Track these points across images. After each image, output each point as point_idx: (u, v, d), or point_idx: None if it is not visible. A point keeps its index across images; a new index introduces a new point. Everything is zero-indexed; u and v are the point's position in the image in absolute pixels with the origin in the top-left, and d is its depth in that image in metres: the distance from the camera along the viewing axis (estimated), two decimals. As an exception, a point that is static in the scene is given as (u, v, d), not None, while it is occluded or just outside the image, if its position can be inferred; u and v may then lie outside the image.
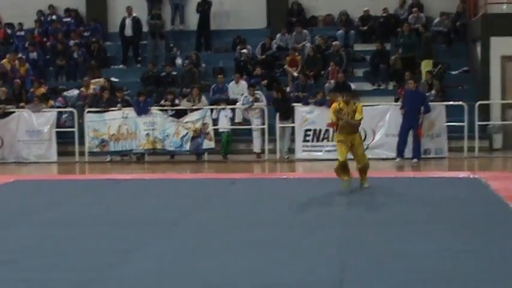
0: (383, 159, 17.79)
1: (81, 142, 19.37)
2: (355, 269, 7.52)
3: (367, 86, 21.59)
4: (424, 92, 18.37)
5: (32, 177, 16.25)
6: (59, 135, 19.56)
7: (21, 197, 13.51)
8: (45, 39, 24.24)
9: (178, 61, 22.98)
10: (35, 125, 19.53)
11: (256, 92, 19.45)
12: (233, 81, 20.36)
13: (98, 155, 19.35)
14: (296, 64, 21.59)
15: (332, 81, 20.21)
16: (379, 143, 18.33)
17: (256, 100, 19.21)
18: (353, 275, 7.30)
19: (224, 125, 19.16)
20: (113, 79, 21.54)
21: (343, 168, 12.90)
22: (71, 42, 23.72)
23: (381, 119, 18.36)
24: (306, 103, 19.01)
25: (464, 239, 8.94)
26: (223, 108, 19.29)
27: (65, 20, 24.94)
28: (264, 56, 22.48)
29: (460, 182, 14.22)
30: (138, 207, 12.00)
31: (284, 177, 16.25)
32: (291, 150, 18.96)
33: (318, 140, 18.70)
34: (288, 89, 20.17)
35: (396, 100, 19.52)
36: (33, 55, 23.43)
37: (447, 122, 18.37)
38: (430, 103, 18.35)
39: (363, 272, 7.39)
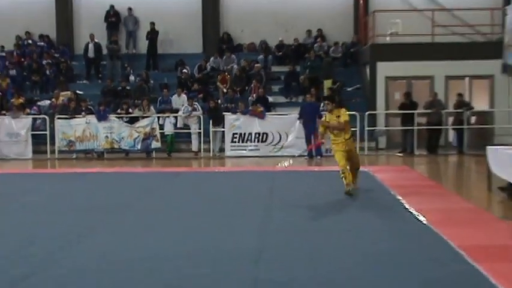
0: (293, 156, 17.83)
1: (52, 143, 19.07)
2: (273, 242, 7.52)
3: (282, 99, 21.67)
4: (317, 104, 18.27)
5: (11, 171, 15.87)
6: (33, 136, 19.25)
7: (4, 186, 13.20)
8: (22, 59, 23.79)
9: (132, 78, 22.76)
10: (14, 128, 19.22)
11: (194, 103, 19.42)
12: (176, 95, 20.26)
13: (66, 153, 19.07)
14: (226, 82, 21.58)
15: (254, 95, 20.23)
16: (291, 144, 18.40)
17: (194, 110, 19.17)
18: (272, 246, 7.29)
19: (168, 129, 19.07)
20: (78, 92, 21.26)
21: (345, 173, 10.70)
22: (44, 62, 23.33)
23: (291, 125, 18.42)
24: (234, 112, 18.99)
25: (354, 214, 9.06)
26: (168, 116, 19.21)
27: (38, 43, 24.52)
28: (200, 75, 22.41)
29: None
30: (98, 195, 11.84)
31: (216, 170, 16.23)
32: (222, 149, 18.92)
33: (242, 141, 18.73)
34: (219, 101, 20.11)
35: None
36: (13, 72, 23.08)
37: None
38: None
39: (279, 244, 7.39)
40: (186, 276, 6.10)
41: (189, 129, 19.20)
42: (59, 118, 19.05)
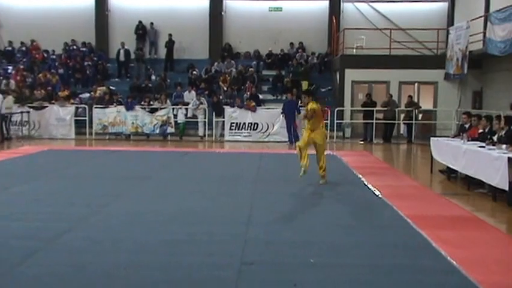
0: (278, 141, 17.81)
1: (90, 126, 18.94)
2: (260, 207, 7.50)
3: (270, 97, 21.54)
4: (296, 101, 18.05)
5: (58, 148, 15.77)
6: (76, 121, 19.05)
7: (51, 160, 13.13)
8: (68, 61, 23.57)
9: (153, 77, 22.57)
10: (61, 114, 19.05)
11: (201, 98, 19.30)
12: (187, 91, 20.16)
13: (101, 135, 18.94)
14: (226, 81, 21.45)
15: (248, 93, 20.09)
16: (276, 132, 18.30)
17: (201, 103, 19.04)
18: (258, 211, 7.27)
19: (181, 118, 18.94)
20: (111, 87, 21.10)
21: (300, 151, 9.43)
22: (85, 63, 23.14)
23: (277, 117, 18.28)
24: (232, 106, 18.87)
25: (325, 187, 9.05)
26: (180, 108, 19.08)
27: (81, 49, 24.32)
28: (206, 76, 22.23)
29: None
30: (125, 168, 11.82)
31: (217, 151, 16.15)
32: (222, 135, 18.84)
33: (238, 129, 18.61)
34: (220, 97, 19.98)
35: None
36: (61, 71, 22.90)
37: (318, 120, 18.46)
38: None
39: (265, 209, 7.37)
40: (190, 233, 6.08)
41: (197, 118, 19.10)
42: (96, 107, 18.92)
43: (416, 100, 19.84)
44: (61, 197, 8.15)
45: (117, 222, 6.61)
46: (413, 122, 18.96)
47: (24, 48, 24.61)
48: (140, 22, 24.16)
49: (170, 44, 23.85)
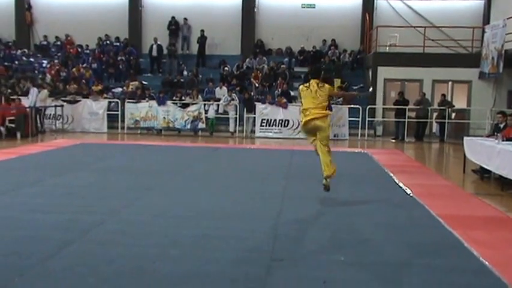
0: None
1: (122, 121, 19.18)
2: (290, 204, 7.50)
3: (301, 94, 21.45)
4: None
5: (90, 141, 16.01)
6: (108, 115, 19.33)
7: (84, 153, 13.34)
8: (102, 56, 23.92)
9: (185, 73, 22.71)
10: (94, 108, 19.35)
11: (232, 94, 19.36)
12: (218, 87, 20.24)
13: (133, 129, 19.15)
14: (258, 78, 21.47)
15: (279, 89, 20.07)
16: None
17: (232, 99, 19.12)
18: (289, 207, 7.27)
19: (212, 113, 19.04)
20: (143, 82, 21.33)
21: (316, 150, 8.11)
22: (118, 58, 23.42)
23: (308, 114, 18.23)
24: (263, 102, 18.89)
25: (356, 186, 8.99)
26: (212, 104, 19.19)
27: (115, 44, 24.63)
28: (238, 72, 22.29)
29: (356, 154, 14.27)
30: (156, 162, 11.90)
31: (248, 147, 16.18)
32: (253, 131, 18.88)
33: (269, 126, 18.64)
34: (252, 93, 20.00)
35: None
36: (94, 65, 23.23)
37: (349, 117, 18.39)
38: (340, 105, 18.41)
39: (295, 206, 7.37)
40: (220, 228, 6.11)
41: (228, 114, 19.18)
42: (128, 102, 19.15)
43: (449, 99, 19.58)
44: (93, 190, 8.27)
45: (148, 216, 6.68)
46: (446, 121, 18.70)
47: (59, 43, 25.07)
48: (173, 18, 24.36)
49: (202, 39, 23.97)
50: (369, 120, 18.78)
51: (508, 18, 18.06)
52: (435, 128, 19.64)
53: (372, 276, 4.69)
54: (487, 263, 5.09)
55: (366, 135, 18.60)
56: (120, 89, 20.90)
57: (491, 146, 9.88)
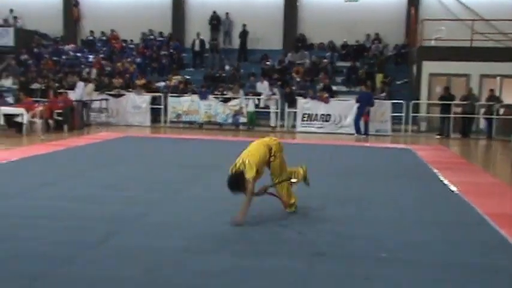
0: (351, 134, 17.62)
1: (165, 114, 19.44)
2: (332, 199, 7.46)
3: (344, 88, 21.29)
4: (370, 93, 18.09)
5: (134, 135, 16.28)
6: (151, 109, 19.61)
7: (128, 146, 13.58)
8: (145, 50, 24.29)
9: (227, 67, 22.83)
10: (137, 102, 19.65)
11: (273, 88, 19.42)
12: (260, 82, 20.28)
13: (175, 123, 19.40)
14: (299, 72, 21.41)
15: (321, 84, 19.94)
16: (349, 124, 18.10)
17: (273, 94, 19.17)
18: (331, 202, 7.23)
19: (252, 108, 19.09)
20: (186, 77, 21.59)
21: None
22: (161, 53, 23.75)
23: (350, 109, 18.09)
24: (305, 97, 18.84)
25: (399, 182, 8.87)
26: (253, 98, 19.24)
27: (158, 38, 24.98)
28: (279, 67, 22.28)
29: (399, 150, 14.06)
30: (197, 156, 12.03)
31: (289, 142, 16.11)
32: (293, 126, 18.84)
33: (310, 120, 18.54)
34: (293, 88, 19.95)
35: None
36: (138, 60, 23.57)
37: (392, 113, 18.14)
38: (382, 101, 18.22)
39: (337, 201, 7.33)
40: (261, 221, 6.12)
41: (269, 108, 19.20)
42: (171, 96, 19.41)
43: (498, 94, 19.08)
44: (137, 183, 8.42)
45: (190, 209, 6.77)
46: (494, 117, 18.24)
47: (104, 38, 25.55)
48: (214, 12, 24.52)
49: (244, 34, 24.05)
50: (412, 116, 18.48)
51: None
52: (483, 124, 19.19)
53: (414, 274, 4.63)
54: (535, 263, 4.96)
55: (410, 130, 18.33)
56: (163, 83, 21.18)
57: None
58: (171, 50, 24.11)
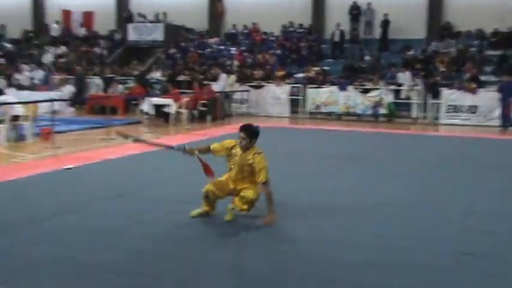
0: (500, 126, 16.52)
1: (304, 105, 19.57)
2: (476, 196, 7.05)
3: (493, 78, 19.89)
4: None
5: (274, 125, 16.57)
6: (290, 100, 19.84)
7: (268, 137, 13.81)
8: (285, 42, 24.54)
9: (366, 58, 22.41)
10: (276, 93, 19.98)
11: (416, 79, 18.73)
12: (401, 72, 19.64)
13: (314, 114, 19.46)
14: (444, 62, 20.42)
15: (468, 74, 18.86)
16: (496, 116, 16.98)
17: (416, 85, 18.51)
18: (475, 199, 6.84)
19: (391, 99, 18.56)
20: (325, 68, 21.53)
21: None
22: (301, 44, 23.87)
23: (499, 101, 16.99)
24: (450, 88, 17.95)
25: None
26: (393, 89, 18.73)
27: (298, 30, 25.14)
28: (422, 56, 21.39)
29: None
30: (336, 147, 11.97)
31: (431, 134, 15.49)
32: (437, 118, 18.04)
33: (456, 112, 17.67)
34: (437, 78, 19.08)
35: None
36: (278, 51, 23.90)
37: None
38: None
39: (481, 198, 6.90)
40: (404, 216, 5.97)
41: (410, 100, 18.57)
42: (310, 87, 19.49)
43: None
44: (276, 173, 8.48)
45: (326, 199, 6.75)
46: None
47: (246, 31, 26.23)
48: (354, 2, 24.17)
49: (386, 23, 23.45)
50: None
51: None
52: None
53: None
54: None
55: None
56: (301, 75, 21.31)
57: None
58: (311, 40, 24.16)
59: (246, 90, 20.09)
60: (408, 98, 18.64)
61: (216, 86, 19.20)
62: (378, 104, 18.48)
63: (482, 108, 17.31)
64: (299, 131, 15.81)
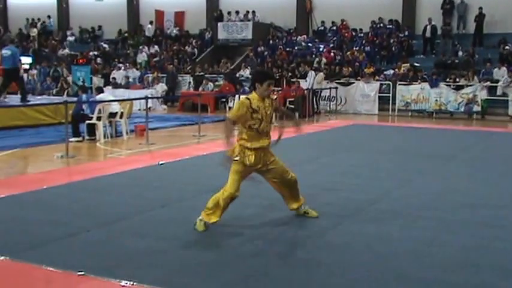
0: None
1: (393, 103, 19.24)
2: None
3: None
4: None
5: (362, 122, 16.45)
6: (379, 97, 19.59)
7: (356, 134, 13.77)
8: (375, 38, 24.17)
9: (460, 53, 21.64)
10: (365, 90, 19.83)
11: (512, 75, 17.98)
12: (497, 68, 18.87)
13: (403, 111, 19.09)
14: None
15: None
16: None
17: (512, 81, 17.77)
18: None
19: (485, 95, 17.84)
20: (415, 64, 21.01)
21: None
22: (391, 41, 23.42)
23: None
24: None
25: None
26: (488, 86, 18.00)
27: (388, 26, 24.65)
28: (521, 52, 20.42)
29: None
30: (427, 145, 11.70)
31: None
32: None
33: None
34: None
35: None
36: (367, 48, 23.56)
37: None
38: None
39: None
40: (494, 217, 5.81)
41: (507, 96, 17.77)
42: (399, 84, 19.13)
43: None
44: (366, 170, 8.52)
45: (419, 199, 6.65)
46: None
47: (334, 28, 26.07)
48: (448, -4, 23.39)
49: (480, 17, 22.51)
50: None
51: None
52: None
53: None
54: None
55: None
56: (391, 71, 20.94)
57: None
58: (401, 36, 23.65)
59: (335, 88, 20.02)
60: (504, 94, 17.86)
61: (304, 84, 19.27)
62: (471, 101, 17.86)
63: None
64: (388, 128, 15.58)
